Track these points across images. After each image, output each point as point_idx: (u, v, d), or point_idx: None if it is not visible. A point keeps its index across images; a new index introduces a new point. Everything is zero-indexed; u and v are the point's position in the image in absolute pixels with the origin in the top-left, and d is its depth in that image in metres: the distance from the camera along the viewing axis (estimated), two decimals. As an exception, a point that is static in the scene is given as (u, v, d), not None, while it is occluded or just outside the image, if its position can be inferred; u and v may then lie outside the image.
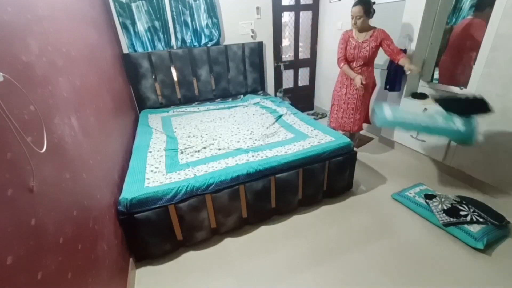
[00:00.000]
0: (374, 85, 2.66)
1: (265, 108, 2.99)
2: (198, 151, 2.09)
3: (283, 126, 2.49)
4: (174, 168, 1.86)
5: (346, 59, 2.52)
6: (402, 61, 2.25)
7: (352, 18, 2.31)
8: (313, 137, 2.20)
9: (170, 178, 1.75)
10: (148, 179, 1.74)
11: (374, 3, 2.34)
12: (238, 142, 2.21)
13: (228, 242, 1.88)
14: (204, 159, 1.97)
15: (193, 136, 2.38)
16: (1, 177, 0.70)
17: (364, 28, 2.36)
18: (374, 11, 2.31)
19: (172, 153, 2.06)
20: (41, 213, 0.82)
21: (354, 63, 2.50)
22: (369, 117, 2.80)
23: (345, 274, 1.60)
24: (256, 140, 2.22)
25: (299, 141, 2.15)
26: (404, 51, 2.55)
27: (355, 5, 2.27)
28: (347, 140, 2.09)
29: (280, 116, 2.71)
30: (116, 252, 1.43)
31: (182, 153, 2.08)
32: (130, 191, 1.59)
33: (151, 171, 1.83)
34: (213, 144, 2.19)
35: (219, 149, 2.10)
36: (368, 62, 2.46)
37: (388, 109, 1.98)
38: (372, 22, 2.26)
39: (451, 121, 1.83)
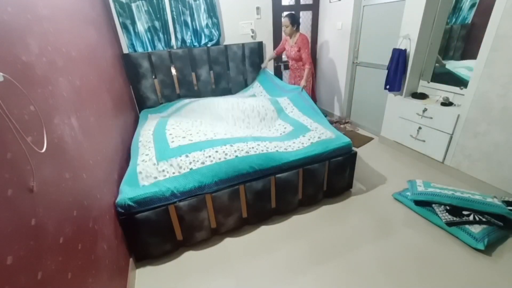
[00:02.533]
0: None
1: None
2: (191, 135, 2.01)
3: (282, 118, 2.49)
4: (165, 155, 1.77)
5: (279, 52, 3.30)
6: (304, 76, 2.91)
7: (283, 27, 2.99)
8: (312, 131, 2.19)
9: (164, 171, 1.70)
10: (140, 172, 1.69)
11: (299, 18, 3.12)
12: (237, 131, 2.18)
13: (228, 242, 1.88)
14: (198, 143, 1.87)
15: (186, 122, 2.32)
16: (1, 177, 0.70)
17: (292, 34, 3.00)
18: (299, 23, 2.98)
19: (160, 134, 1.98)
20: (41, 213, 0.82)
21: (290, 61, 3.20)
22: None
23: (346, 274, 1.60)
24: (253, 127, 2.21)
25: (299, 137, 2.13)
26: (404, 51, 2.56)
27: (283, 17, 2.97)
28: (347, 140, 2.09)
29: (280, 108, 2.72)
30: (116, 252, 1.42)
31: (171, 134, 2.00)
32: (126, 192, 1.58)
33: (143, 160, 1.77)
34: (206, 129, 2.13)
35: (215, 135, 2.03)
36: (297, 61, 3.08)
37: (421, 185, 2.10)
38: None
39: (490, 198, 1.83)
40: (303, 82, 2.89)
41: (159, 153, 1.79)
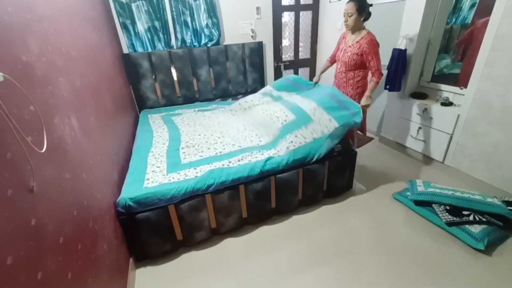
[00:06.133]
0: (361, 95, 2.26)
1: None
2: (202, 151, 2.08)
3: (284, 105, 2.41)
4: (175, 169, 1.85)
5: (335, 60, 2.45)
6: (368, 89, 2.15)
7: (344, 16, 2.14)
8: (315, 122, 2.04)
9: (170, 178, 1.74)
10: (148, 179, 1.73)
11: (371, 5, 2.12)
12: (245, 139, 2.19)
13: (228, 242, 1.88)
14: (207, 159, 1.95)
15: (198, 134, 2.37)
16: (1, 177, 0.70)
17: (356, 29, 2.16)
18: (369, 13, 2.11)
19: (174, 153, 2.05)
20: (41, 213, 0.82)
21: (338, 66, 2.36)
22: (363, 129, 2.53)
23: (346, 274, 1.60)
24: (261, 136, 2.21)
25: (301, 128, 2.05)
26: (404, 51, 2.56)
27: (348, 1, 2.09)
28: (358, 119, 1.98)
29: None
30: (116, 252, 1.42)
31: (184, 152, 2.07)
32: (129, 192, 1.59)
33: (153, 171, 1.83)
34: (216, 143, 2.18)
35: (224, 148, 2.08)
36: (352, 69, 2.23)
37: (421, 185, 2.09)
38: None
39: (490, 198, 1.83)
40: (364, 100, 2.10)
41: (170, 167, 1.86)
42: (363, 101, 2.13)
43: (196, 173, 1.79)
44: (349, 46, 2.21)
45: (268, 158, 1.89)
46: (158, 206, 1.61)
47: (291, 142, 1.99)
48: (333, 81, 2.53)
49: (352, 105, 2.07)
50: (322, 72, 2.61)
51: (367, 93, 2.13)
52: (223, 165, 1.84)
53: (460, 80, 2.40)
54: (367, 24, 2.20)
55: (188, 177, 1.75)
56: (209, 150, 2.09)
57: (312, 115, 2.10)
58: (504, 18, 1.85)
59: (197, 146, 2.15)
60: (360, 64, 2.18)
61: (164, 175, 1.78)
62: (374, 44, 2.08)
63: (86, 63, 1.67)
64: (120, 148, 1.99)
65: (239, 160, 1.89)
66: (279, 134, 2.11)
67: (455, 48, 2.52)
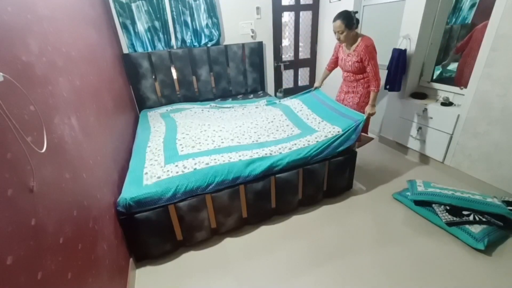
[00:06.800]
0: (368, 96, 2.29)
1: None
2: (199, 143, 2.07)
3: (290, 119, 2.47)
4: (173, 160, 1.83)
5: (333, 67, 2.57)
6: (370, 99, 2.20)
7: (335, 34, 2.17)
8: (319, 131, 2.14)
9: (168, 171, 1.72)
10: (146, 173, 1.72)
11: (356, 12, 2.15)
12: (243, 135, 2.19)
13: (228, 242, 1.88)
14: (206, 151, 1.94)
15: (194, 125, 2.38)
16: (1, 177, 0.70)
17: (351, 42, 2.20)
18: (357, 21, 2.14)
19: (170, 144, 2.04)
20: (41, 213, 0.82)
21: (345, 73, 2.42)
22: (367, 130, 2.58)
23: (345, 275, 1.60)
24: (260, 134, 2.21)
25: (305, 136, 2.10)
26: (404, 51, 2.56)
27: (334, 20, 2.11)
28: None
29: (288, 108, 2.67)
30: (116, 252, 1.42)
31: (181, 144, 2.06)
32: (129, 191, 1.59)
33: (150, 164, 1.82)
34: (214, 137, 2.17)
35: (222, 142, 2.08)
36: (359, 73, 2.27)
37: (421, 185, 2.10)
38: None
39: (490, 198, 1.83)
40: (370, 109, 2.17)
41: (168, 159, 1.86)
42: (369, 109, 2.20)
43: (195, 164, 1.76)
44: (348, 55, 2.27)
45: (269, 157, 1.88)
46: (158, 206, 1.61)
47: (295, 144, 2.01)
48: (342, 82, 2.52)
49: (355, 114, 2.20)
50: (323, 80, 2.71)
51: (370, 103, 2.20)
52: (223, 160, 1.81)
53: (460, 80, 2.40)
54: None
55: (187, 169, 1.73)
56: (206, 142, 2.08)
57: (317, 128, 2.24)
58: (504, 18, 1.85)
59: (194, 137, 2.15)
60: (364, 68, 2.22)
61: (162, 166, 1.77)
62: (370, 50, 2.10)
63: (86, 63, 1.67)
64: (120, 148, 1.99)
65: (240, 156, 1.86)
66: (283, 140, 2.12)
67: (455, 50, 2.53)
